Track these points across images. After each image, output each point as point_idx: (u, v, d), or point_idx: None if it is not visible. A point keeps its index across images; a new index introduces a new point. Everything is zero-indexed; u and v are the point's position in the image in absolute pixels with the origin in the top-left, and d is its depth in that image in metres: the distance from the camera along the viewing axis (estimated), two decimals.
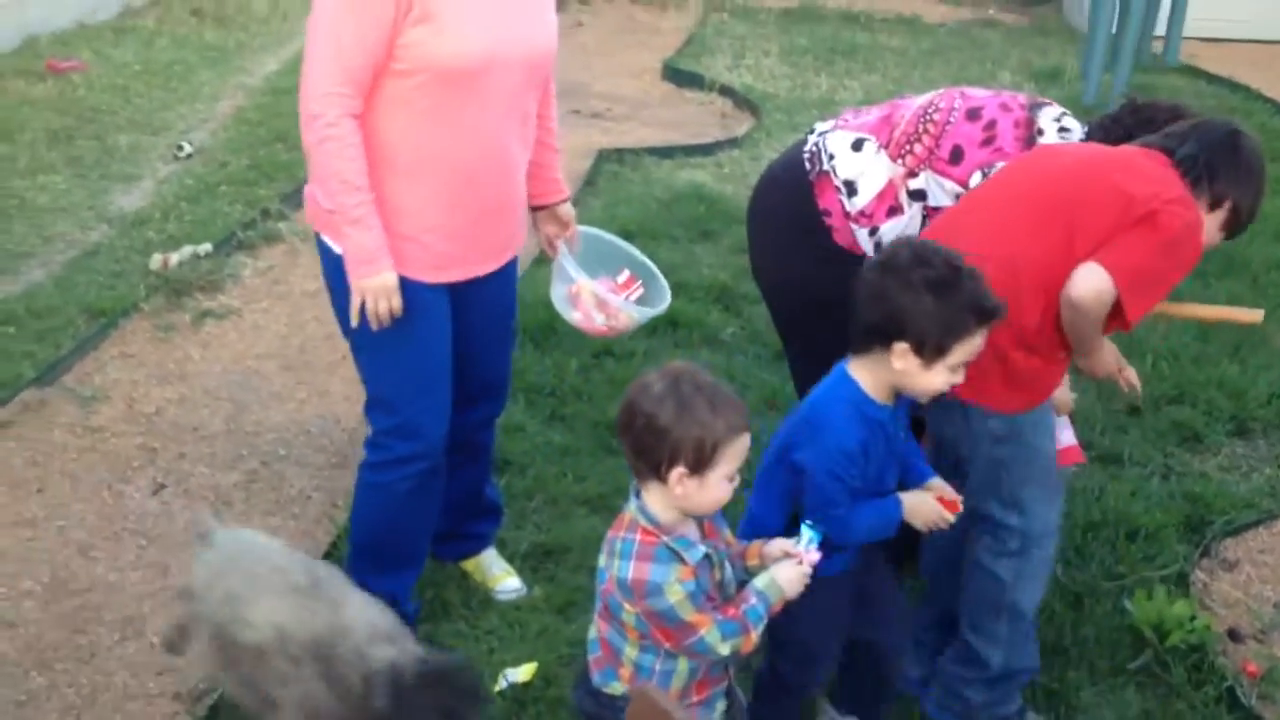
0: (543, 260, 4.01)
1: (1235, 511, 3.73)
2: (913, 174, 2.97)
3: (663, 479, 2.20)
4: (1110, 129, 2.91)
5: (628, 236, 5.59)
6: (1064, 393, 2.96)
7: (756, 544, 2.42)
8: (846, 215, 3.04)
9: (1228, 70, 8.25)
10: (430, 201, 2.75)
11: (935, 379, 2.40)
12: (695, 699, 2.36)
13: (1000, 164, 2.85)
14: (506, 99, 2.75)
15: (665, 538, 2.22)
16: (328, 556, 3.42)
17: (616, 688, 2.36)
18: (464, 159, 2.74)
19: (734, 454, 2.19)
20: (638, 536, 2.24)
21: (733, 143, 6.91)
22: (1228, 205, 2.67)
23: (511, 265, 3.04)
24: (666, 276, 5.12)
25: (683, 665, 2.31)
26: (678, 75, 8.22)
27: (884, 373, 2.43)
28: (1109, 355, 2.80)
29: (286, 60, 8.07)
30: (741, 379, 4.41)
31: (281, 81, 7.56)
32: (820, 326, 3.16)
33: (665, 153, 6.70)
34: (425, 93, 2.65)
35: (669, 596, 2.20)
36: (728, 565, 2.34)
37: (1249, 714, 2.93)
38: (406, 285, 2.75)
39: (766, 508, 2.58)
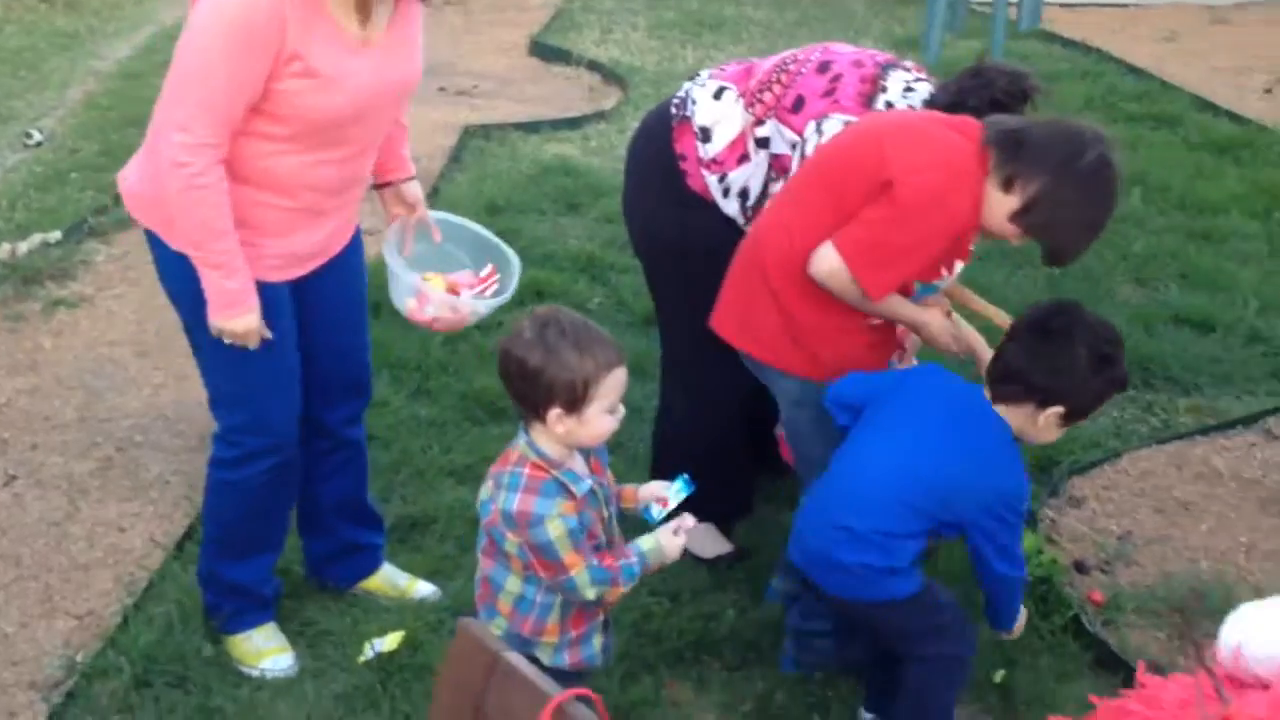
0: None
1: (1082, 451, 3.86)
2: (760, 122, 3.00)
3: (541, 419, 2.28)
4: (949, 91, 2.92)
5: (495, 210, 5.65)
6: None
7: (630, 487, 2.50)
8: (700, 161, 3.07)
9: (1082, 35, 8.47)
10: (280, 218, 2.67)
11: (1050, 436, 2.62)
12: (574, 633, 2.41)
13: (834, 116, 2.90)
14: (373, 132, 2.72)
15: (555, 471, 2.29)
16: (185, 540, 3.38)
17: (499, 624, 2.40)
18: (321, 183, 2.68)
19: (609, 389, 2.28)
20: (526, 470, 2.31)
21: (600, 116, 6.92)
22: (1022, 191, 2.53)
23: (354, 255, 2.94)
24: (534, 249, 5.23)
25: (559, 599, 2.37)
26: (545, 51, 8.20)
27: (1024, 423, 2.57)
28: (935, 328, 2.79)
29: (139, 45, 7.88)
30: None
31: (134, 65, 7.39)
32: (677, 275, 3.20)
33: (532, 127, 6.69)
34: (291, 133, 2.57)
35: (550, 530, 2.26)
36: (613, 503, 2.44)
37: (1093, 639, 3.05)
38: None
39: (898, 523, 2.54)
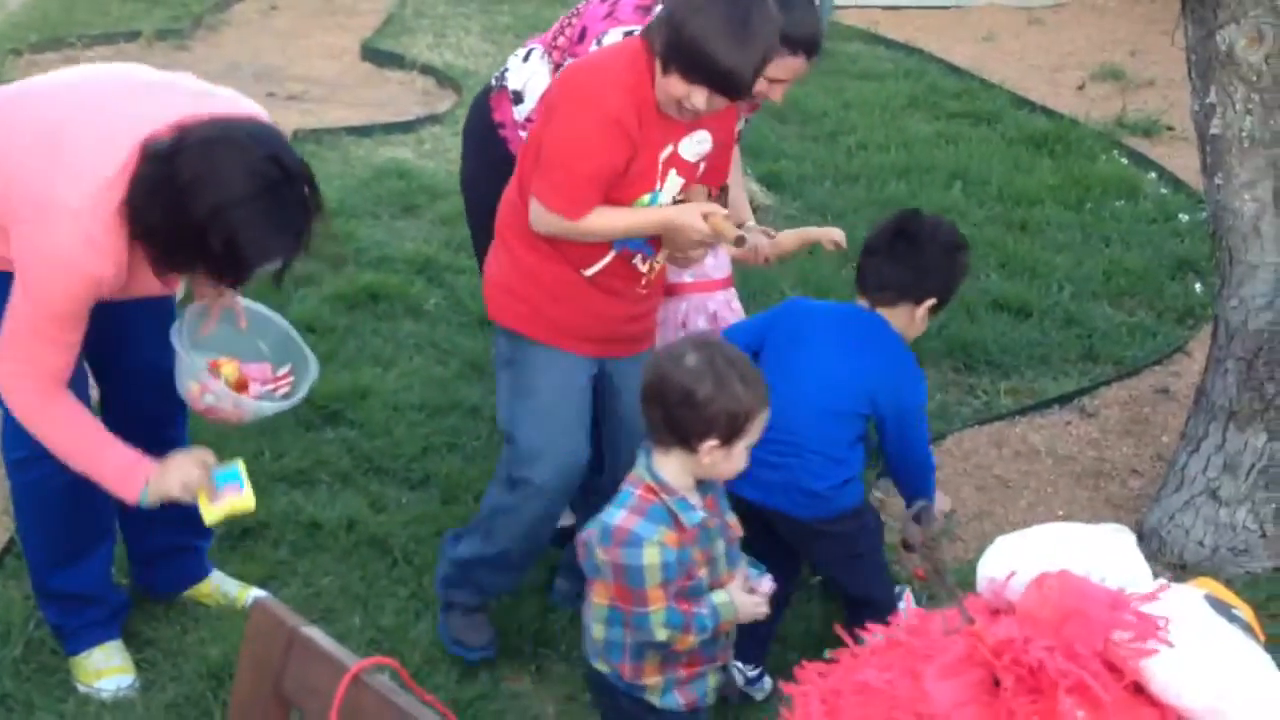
0: None
1: None
2: (559, 68, 3.01)
3: (692, 449, 2.26)
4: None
5: (328, 215, 5.55)
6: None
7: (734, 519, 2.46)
8: (516, 124, 3.12)
9: (906, 36, 8.72)
10: None
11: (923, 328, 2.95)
12: (683, 673, 2.38)
13: (612, 30, 2.88)
14: None
15: (666, 497, 2.26)
16: (4, 555, 3.26)
17: (602, 666, 2.40)
18: None
19: (759, 425, 2.29)
20: (639, 491, 2.29)
21: (434, 119, 6.88)
22: (660, 46, 2.50)
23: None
24: (369, 252, 5.18)
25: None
26: (377, 55, 8.09)
27: (903, 322, 2.89)
28: (684, 219, 2.67)
29: None
30: (445, 346, 4.42)
31: None
32: None
33: (365, 131, 6.61)
34: None
35: (644, 555, 2.22)
36: (722, 542, 2.38)
37: None
38: None
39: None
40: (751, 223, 3.32)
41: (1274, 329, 3.24)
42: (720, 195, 3.13)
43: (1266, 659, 1.14)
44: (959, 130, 6.75)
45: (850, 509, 2.87)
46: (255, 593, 3.19)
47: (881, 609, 2.64)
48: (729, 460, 2.29)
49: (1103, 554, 1.20)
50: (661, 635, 2.27)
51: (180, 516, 3.09)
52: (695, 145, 2.73)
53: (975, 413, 4.22)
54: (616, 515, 2.27)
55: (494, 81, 3.23)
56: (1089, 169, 6.19)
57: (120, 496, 2.61)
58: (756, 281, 4.77)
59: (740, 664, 2.91)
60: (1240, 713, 1.09)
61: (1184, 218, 5.65)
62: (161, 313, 2.82)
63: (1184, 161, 5.75)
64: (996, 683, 1.06)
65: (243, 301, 2.83)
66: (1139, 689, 1.09)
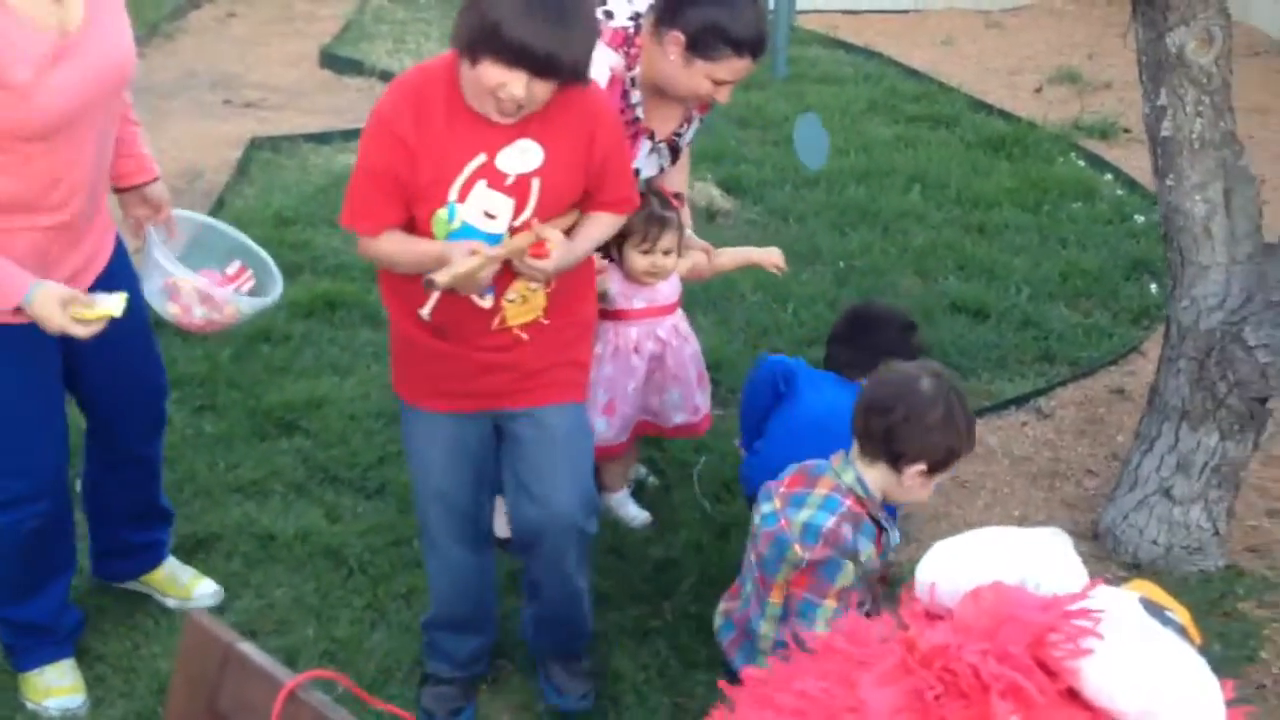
0: None
1: None
2: None
3: (898, 468, 2.34)
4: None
5: (284, 223, 5.52)
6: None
7: None
8: None
9: (865, 40, 8.76)
10: (7, 248, 2.44)
11: None
12: None
13: None
14: (90, 132, 2.51)
15: (876, 513, 2.36)
16: None
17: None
18: (44, 202, 2.48)
19: (958, 464, 2.41)
20: (849, 501, 2.37)
21: None
22: (489, 42, 2.25)
23: (120, 268, 2.77)
24: (326, 260, 5.14)
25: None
26: (336, 62, 8.06)
27: None
28: (455, 254, 2.37)
29: None
30: None
31: None
32: None
33: (323, 138, 6.57)
34: None
35: (848, 566, 2.33)
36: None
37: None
38: None
39: None
40: (690, 232, 3.29)
41: (1225, 329, 3.26)
42: (669, 209, 3.12)
43: (1200, 661, 1.14)
44: (918, 134, 6.78)
45: None
46: (207, 584, 3.21)
47: None
48: (923, 489, 2.40)
49: (1038, 558, 1.19)
50: (818, 626, 2.35)
51: (144, 512, 3.11)
52: (519, 156, 2.42)
53: None
54: (829, 519, 2.34)
55: None
56: (1046, 171, 6.23)
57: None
58: (717, 287, 4.78)
59: None
60: (1172, 715, 1.09)
61: (1139, 219, 5.69)
62: (141, 327, 2.84)
63: (1140, 163, 5.78)
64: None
65: (177, 213, 2.89)
66: (1074, 693, 1.09)
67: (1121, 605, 1.15)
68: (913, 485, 2.38)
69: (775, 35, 7.76)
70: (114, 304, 2.47)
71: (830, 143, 3.59)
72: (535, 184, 2.44)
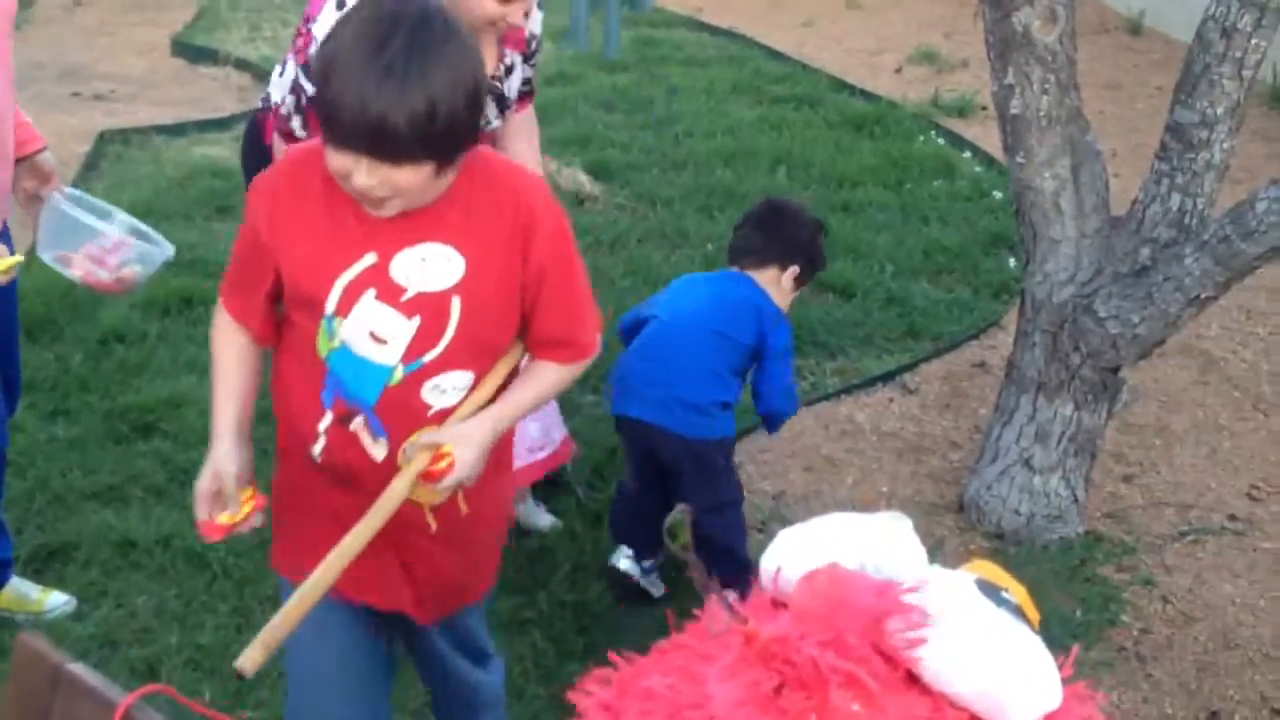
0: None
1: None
2: (306, 67, 2.70)
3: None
4: None
5: (137, 218, 5.33)
6: None
7: None
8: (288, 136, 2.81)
9: (729, 22, 8.81)
10: None
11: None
12: None
13: (326, 5, 2.66)
14: None
15: None
16: None
17: None
18: None
19: None
20: None
21: (249, 116, 6.69)
22: (318, 112, 1.75)
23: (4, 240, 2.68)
24: (182, 255, 4.93)
25: None
26: (189, 51, 7.85)
27: (773, 287, 3.16)
28: None
29: None
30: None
31: None
32: None
33: (177, 130, 6.40)
34: None
35: None
36: None
37: None
38: None
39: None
40: None
41: (1077, 301, 3.35)
42: None
43: (1035, 640, 1.16)
44: (782, 115, 6.84)
45: (727, 438, 3.13)
46: (57, 596, 3.10)
47: (744, 565, 2.73)
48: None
49: (877, 544, 1.21)
50: None
51: None
52: (419, 266, 1.83)
53: (803, 394, 4.25)
54: None
55: (261, 103, 3.02)
56: (907, 150, 6.33)
57: None
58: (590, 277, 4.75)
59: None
60: (1009, 695, 1.11)
61: (998, 195, 5.82)
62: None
63: (997, 141, 5.87)
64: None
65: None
66: (914, 677, 1.10)
67: (956, 588, 1.17)
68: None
69: (608, 17, 7.72)
70: (13, 258, 2.44)
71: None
72: (455, 304, 1.84)
